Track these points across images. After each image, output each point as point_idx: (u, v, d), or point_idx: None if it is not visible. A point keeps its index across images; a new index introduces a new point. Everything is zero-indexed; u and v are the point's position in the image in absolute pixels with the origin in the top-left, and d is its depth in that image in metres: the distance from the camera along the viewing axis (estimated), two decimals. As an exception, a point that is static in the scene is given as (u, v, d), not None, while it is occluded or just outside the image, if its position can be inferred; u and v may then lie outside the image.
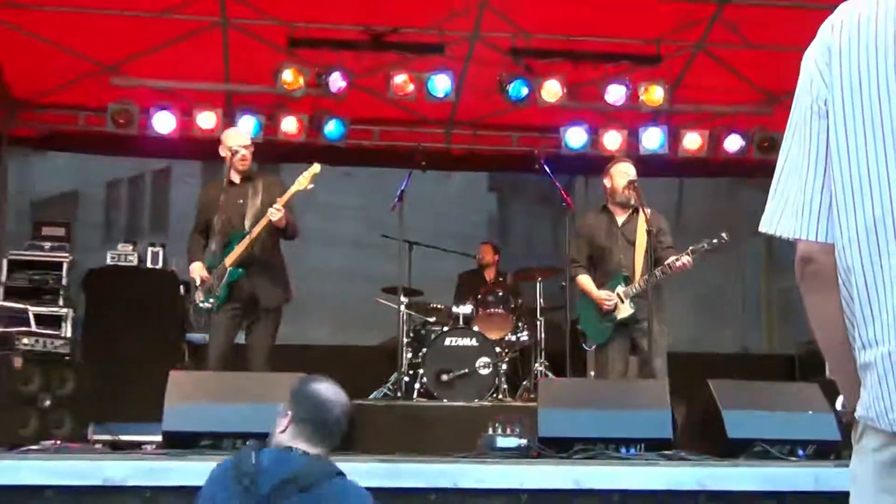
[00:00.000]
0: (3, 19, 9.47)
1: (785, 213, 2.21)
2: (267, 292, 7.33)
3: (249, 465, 3.57)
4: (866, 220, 2.09)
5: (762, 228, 2.25)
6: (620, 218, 7.65)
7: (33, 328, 9.14)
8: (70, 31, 9.62)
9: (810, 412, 6.16)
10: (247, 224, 7.28)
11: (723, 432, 6.05)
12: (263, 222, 7.15)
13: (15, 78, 10.42)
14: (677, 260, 7.21)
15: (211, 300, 7.20)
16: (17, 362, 7.89)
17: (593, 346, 7.77)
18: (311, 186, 7.22)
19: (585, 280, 7.69)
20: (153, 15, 9.54)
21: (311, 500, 3.53)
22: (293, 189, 7.19)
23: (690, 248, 7.25)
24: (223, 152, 7.47)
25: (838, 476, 5.07)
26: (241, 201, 7.36)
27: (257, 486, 3.51)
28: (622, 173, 7.61)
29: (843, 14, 2.20)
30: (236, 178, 7.43)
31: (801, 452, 6.05)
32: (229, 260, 7.20)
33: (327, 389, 3.76)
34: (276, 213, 7.07)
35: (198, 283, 7.31)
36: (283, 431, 3.67)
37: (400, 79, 10.08)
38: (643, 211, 7.42)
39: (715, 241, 7.18)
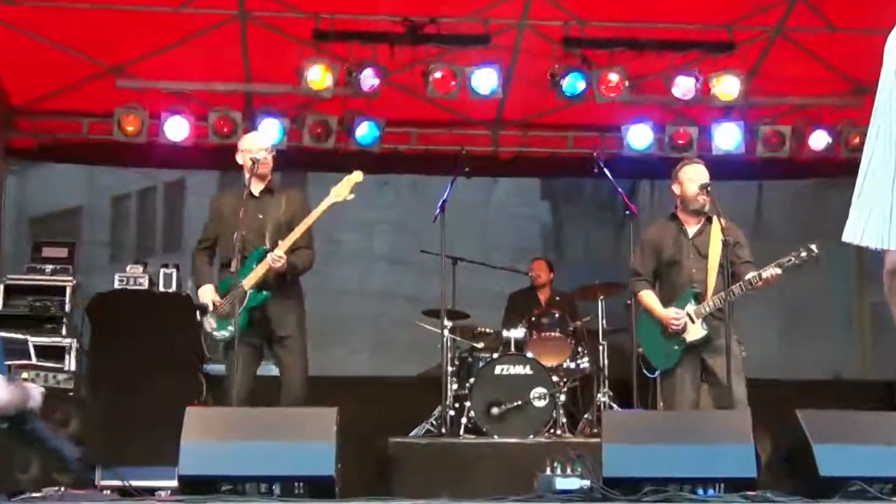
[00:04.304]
0: (-2, 17, 9.58)
1: (870, 220, 2.16)
2: (280, 317, 7.34)
3: None
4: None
5: (846, 238, 2.21)
6: (691, 228, 7.57)
7: (33, 361, 9.21)
8: (72, 29, 9.71)
9: (914, 445, 6.08)
10: (267, 242, 7.30)
11: (814, 469, 5.98)
12: (286, 244, 7.18)
13: (12, 82, 10.53)
14: (761, 274, 7.13)
15: (229, 328, 7.16)
16: (17, 399, 7.95)
17: (657, 373, 7.70)
18: (351, 197, 7.25)
19: (649, 296, 7.60)
20: (164, 10, 9.62)
21: None
22: (329, 201, 7.21)
23: (777, 261, 7.18)
24: (241, 159, 7.51)
25: (947, 518, 5.00)
26: (262, 216, 7.38)
27: None
28: (693, 177, 7.54)
29: None
30: (256, 190, 7.46)
31: (903, 491, 5.97)
32: (249, 282, 7.19)
33: None
34: (277, 261, 7.14)
35: (210, 308, 7.30)
36: None
37: (440, 75, 10.08)
38: (718, 220, 7.32)
39: (804, 254, 7.11)
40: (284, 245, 7.19)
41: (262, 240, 7.33)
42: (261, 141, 7.70)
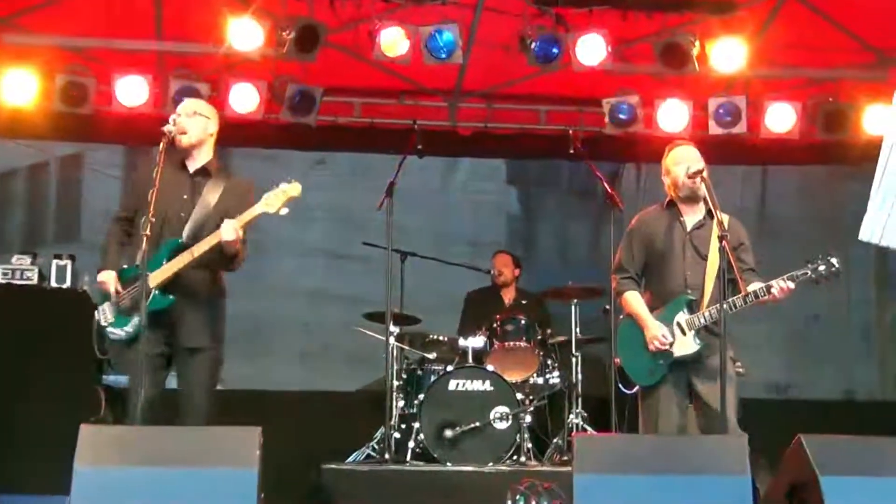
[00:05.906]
0: None
1: (892, 216, 2.18)
2: (191, 325, 7.17)
3: None
4: None
5: (863, 237, 2.23)
6: (690, 219, 7.50)
7: None
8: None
9: (937, 478, 6.13)
10: (185, 231, 7.15)
11: (821, 506, 6.03)
12: (213, 240, 7.05)
13: None
14: (769, 287, 7.09)
15: (126, 329, 7.00)
16: None
17: (636, 389, 7.66)
18: (284, 212, 7.12)
19: (636, 300, 7.53)
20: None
21: None
22: (258, 210, 7.05)
23: (790, 273, 7.11)
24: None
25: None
26: (186, 196, 7.24)
27: None
28: (681, 161, 7.50)
29: None
30: (191, 167, 7.32)
31: (925, 533, 6.02)
32: (156, 279, 7.04)
33: None
34: (231, 232, 6.95)
35: (113, 297, 7.14)
36: None
37: (389, 35, 10.06)
38: (716, 214, 7.24)
39: (822, 267, 7.02)
40: (244, 219, 7.03)
41: (181, 226, 7.16)
42: (184, 104, 7.53)
